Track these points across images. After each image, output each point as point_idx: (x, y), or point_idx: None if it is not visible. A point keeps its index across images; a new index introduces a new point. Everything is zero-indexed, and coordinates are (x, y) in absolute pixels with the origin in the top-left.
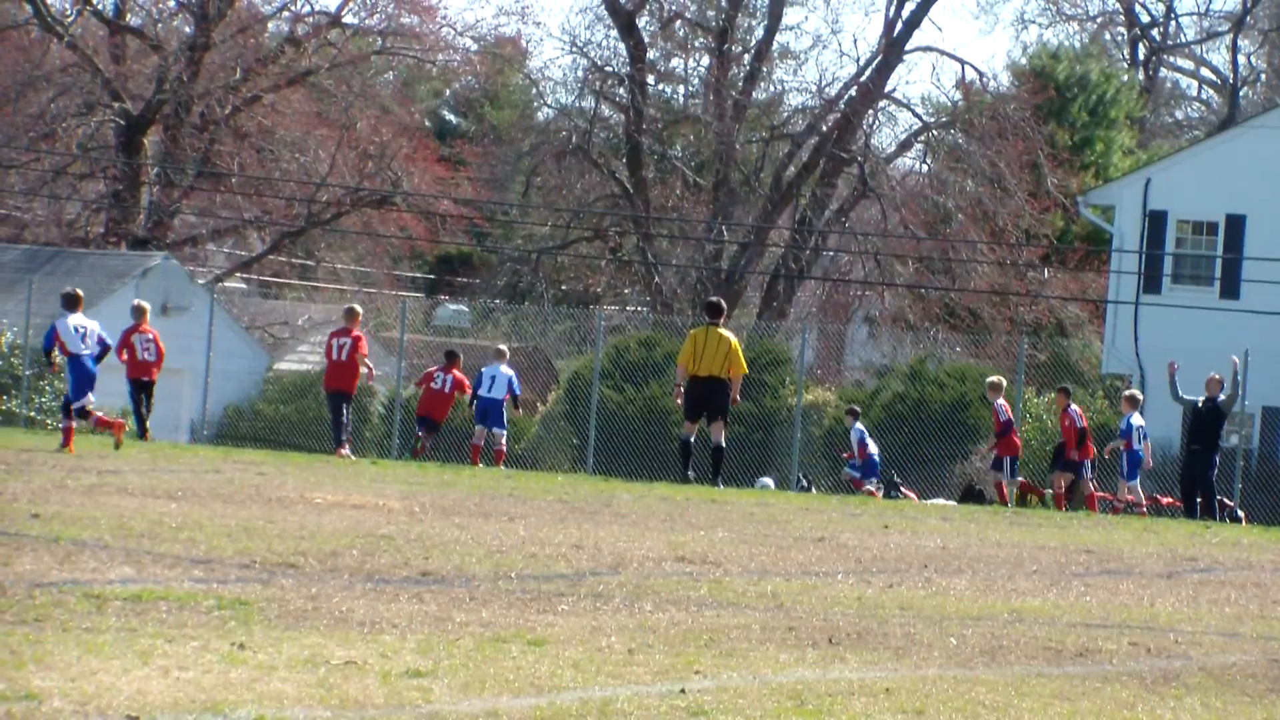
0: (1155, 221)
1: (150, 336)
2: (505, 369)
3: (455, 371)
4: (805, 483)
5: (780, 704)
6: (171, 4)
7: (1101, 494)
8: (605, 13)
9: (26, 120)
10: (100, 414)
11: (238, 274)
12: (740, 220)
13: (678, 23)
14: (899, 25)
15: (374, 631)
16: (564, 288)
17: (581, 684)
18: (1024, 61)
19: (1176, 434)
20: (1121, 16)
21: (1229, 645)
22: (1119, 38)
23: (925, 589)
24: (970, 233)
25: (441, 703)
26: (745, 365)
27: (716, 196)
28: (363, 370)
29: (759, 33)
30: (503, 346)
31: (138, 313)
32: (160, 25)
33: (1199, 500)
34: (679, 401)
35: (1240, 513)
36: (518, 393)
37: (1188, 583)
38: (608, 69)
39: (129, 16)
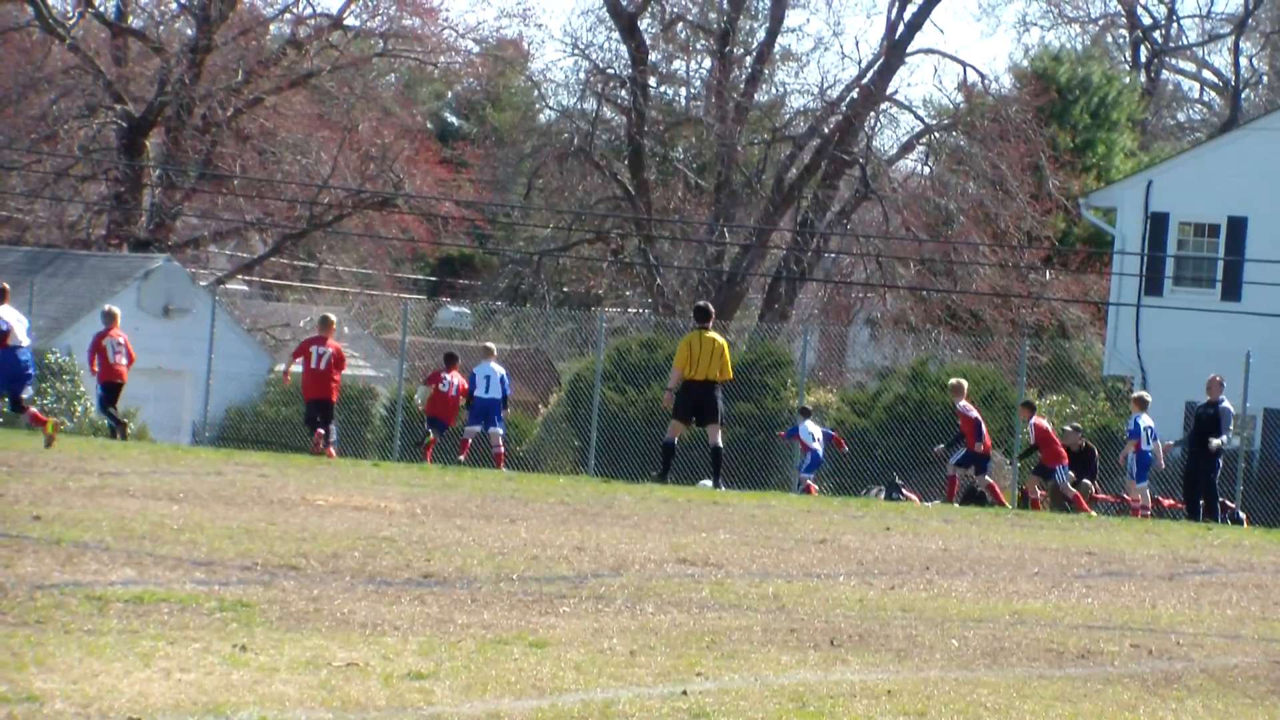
0: (1157, 223)
1: (120, 341)
2: (497, 367)
3: (455, 374)
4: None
5: (782, 706)
6: (173, 6)
7: (1104, 496)
8: (607, 15)
9: (28, 122)
10: (35, 410)
11: (239, 276)
12: (742, 222)
13: (679, 25)
14: (901, 27)
15: (376, 633)
16: (566, 290)
17: (583, 686)
18: (1026, 64)
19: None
20: (1123, 19)
21: (1231, 647)
22: (1121, 40)
23: (927, 591)
24: (972, 235)
25: (443, 705)
26: (730, 370)
27: (718, 198)
28: (334, 382)
29: (760, 35)
30: (490, 344)
31: (108, 318)
32: (162, 27)
33: (1202, 503)
34: (667, 406)
35: (1242, 514)
36: (509, 392)
37: (1189, 585)
38: (609, 71)
39: (131, 18)
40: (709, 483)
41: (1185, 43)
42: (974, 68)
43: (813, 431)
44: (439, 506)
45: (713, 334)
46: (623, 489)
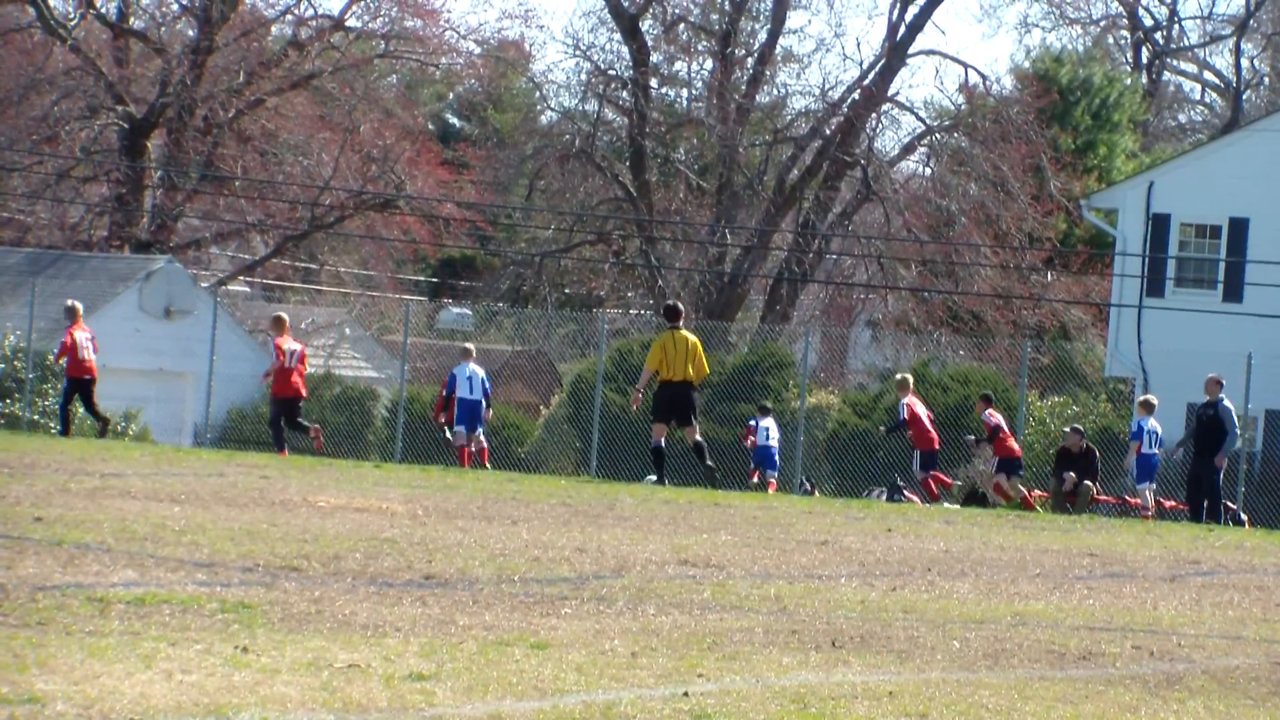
0: (1158, 225)
1: (89, 335)
2: (477, 368)
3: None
4: (809, 486)
5: (783, 707)
6: (175, 7)
7: (1105, 497)
8: (609, 16)
9: (30, 123)
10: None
11: (241, 277)
12: (743, 223)
13: (681, 26)
14: (902, 29)
15: (377, 635)
16: (567, 291)
17: (585, 687)
18: (1027, 65)
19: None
20: (1125, 20)
21: (1232, 648)
22: (1122, 41)
23: (928, 592)
24: (973, 236)
25: (445, 706)
26: (706, 367)
27: (719, 200)
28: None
29: (762, 36)
30: (469, 345)
31: (71, 313)
32: (163, 28)
33: (1206, 504)
34: (635, 407)
35: (1243, 516)
36: (489, 393)
37: (1191, 586)
38: (611, 72)
39: (132, 20)
40: (653, 477)
41: (1186, 44)
42: (975, 69)
43: (769, 428)
44: (440, 508)
45: (685, 333)
46: (624, 490)
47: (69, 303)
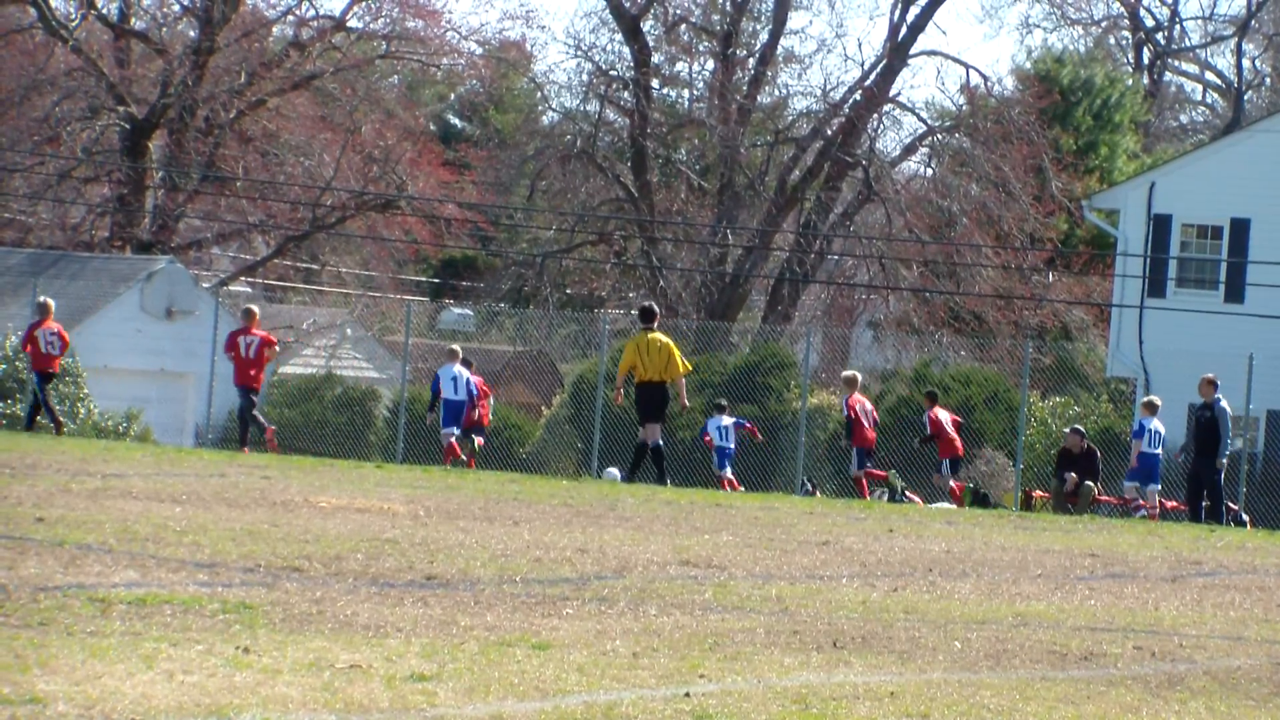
0: (1160, 225)
1: (55, 330)
2: (462, 369)
3: (471, 377)
4: (810, 487)
5: (785, 708)
6: (176, 8)
7: (1107, 497)
8: (610, 17)
9: (31, 124)
10: None
11: (242, 278)
12: (745, 224)
13: (682, 27)
14: (903, 29)
15: (378, 635)
16: (569, 291)
17: (586, 688)
18: (1028, 65)
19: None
20: (1126, 21)
21: (1234, 649)
22: (1123, 42)
23: (930, 593)
24: (975, 236)
25: (446, 707)
26: (686, 365)
27: (721, 200)
28: (268, 359)
29: (763, 37)
30: (455, 347)
31: (42, 309)
32: (165, 29)
33: (1206, 505)
34: (619, 401)
35: (1245, 516)
36: (475, 394)
37: (1192, 586)
38: (612, 73)
39: (133, 20)
40: (614, 471)
41: (1188, 44)
42: (977, 70)
43: (726, 426)
44: (442, 509)
45: (657, 334)
46: (625, 491)
47: (40, 299)
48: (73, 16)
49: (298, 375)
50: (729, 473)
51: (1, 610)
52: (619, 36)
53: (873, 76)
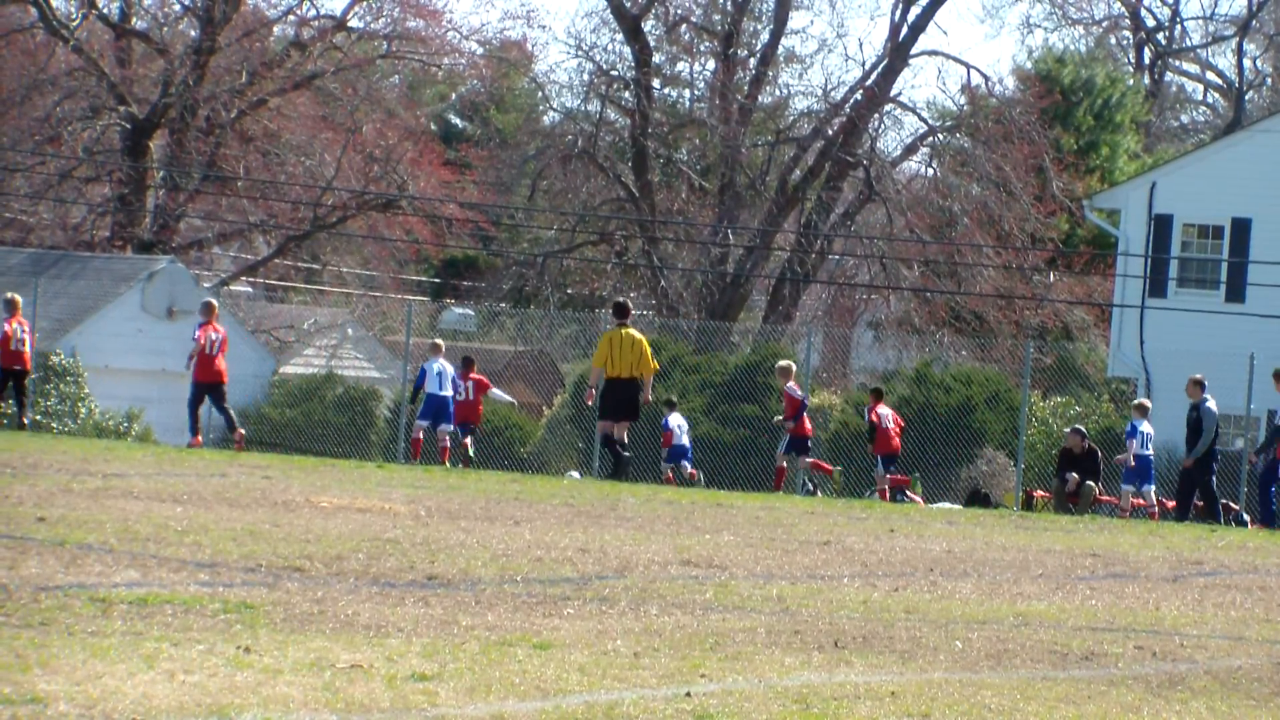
0: (1161, 225)
1: (25, 328)
2: (446, 364)
3: (474, 375)
4: (811, 486)
5: (786, 708)
6: (177, 8)
7: (1107, 497)
8: (611, 17)
9: (32, 124)
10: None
11: (243, 278)
12: (746, 224)
13: (683, 27)
14: (904, 29)
15: (379, 635)
16: (569, 291)
17: (587, 688)
18: (1029, 65)
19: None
20: (1127, 20)
21: (1235, 649)
22: (1124, 42)
23: (931, 593)
24: (976, 236)
25: (447, 706)
26: (655, 363)
27: (722, 200)
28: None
29: (764, 37)
30: (439, 341)
31: (10, 306)
32: (165, 29)
33: (1199, 505)
34: (590, 402)
35: (1245, 516)
36: (459, 388)
37: (1193, 586)
38: (613, 73)
39: (134, 20)
40: (576, 475)
41: (1189, 44)
42: (978, 69)
43: (681, 424)
44: (443, 508)
45: (631, 330)
46: (626, 490)
47: (7, 295)
48: (74, 16)
49: (299, 375)
50: (689, 467)
51: (2, 610)
52: (620, 36)
53: (874, 76)
